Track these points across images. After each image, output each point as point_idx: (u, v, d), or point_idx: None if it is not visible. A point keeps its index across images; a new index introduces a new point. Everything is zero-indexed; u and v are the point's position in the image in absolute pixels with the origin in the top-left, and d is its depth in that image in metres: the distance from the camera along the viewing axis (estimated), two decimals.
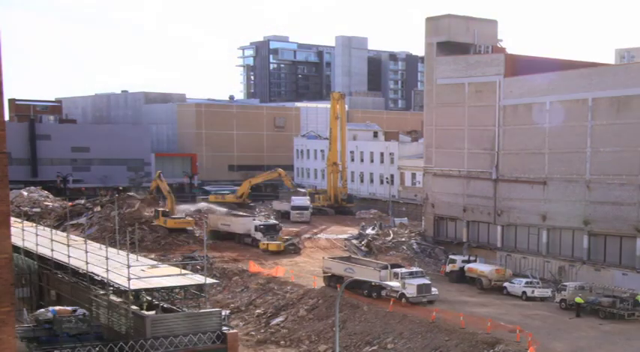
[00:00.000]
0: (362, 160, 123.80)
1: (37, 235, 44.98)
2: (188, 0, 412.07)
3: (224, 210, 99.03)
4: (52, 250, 41.76)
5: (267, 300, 60.73)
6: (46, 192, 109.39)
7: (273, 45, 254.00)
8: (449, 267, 68.29)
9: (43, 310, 35.60)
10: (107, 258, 37.01)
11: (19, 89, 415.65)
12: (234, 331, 37.07)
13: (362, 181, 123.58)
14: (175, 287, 36.61)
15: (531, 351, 42.24)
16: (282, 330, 55.06)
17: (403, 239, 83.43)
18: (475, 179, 78.80)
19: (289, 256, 77.03)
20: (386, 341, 48.77)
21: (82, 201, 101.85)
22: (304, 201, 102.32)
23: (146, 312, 35.93)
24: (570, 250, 69.31)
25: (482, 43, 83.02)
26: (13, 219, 42.09)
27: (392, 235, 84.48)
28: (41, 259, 44.32)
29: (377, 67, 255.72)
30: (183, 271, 38.30)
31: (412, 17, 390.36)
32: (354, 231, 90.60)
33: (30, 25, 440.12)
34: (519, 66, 75.75)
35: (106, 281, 36.41)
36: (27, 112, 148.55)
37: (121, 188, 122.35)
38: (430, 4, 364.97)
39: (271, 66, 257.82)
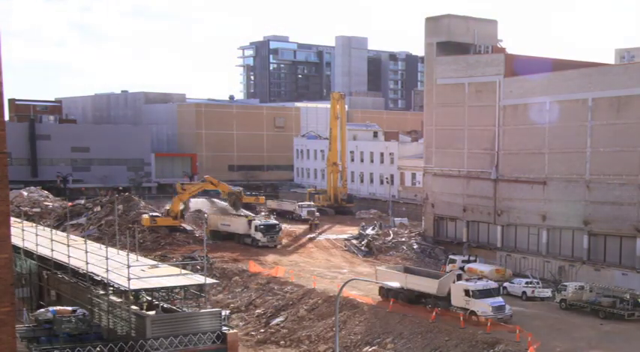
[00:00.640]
0: (362, 160, 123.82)
1: (37, 235, 44.97)
2: (188, 0, 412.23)
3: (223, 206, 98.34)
4: (52, 250, 41.75)
5: (267, 300, 60.70)
6: (46, 192, 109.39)
7: (273, 45, 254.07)
8: (449, 267, 68.24)
9: (43, 310, 35.62)
10: (107, 258, 37.00)
11: (19, 89, 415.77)
12: (234, 331, 37.10)
13: (362, 181, 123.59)
14: (175, 287, 36.61)
15: (531, 351, 42.23)
16: (282, 330, 55.04)
17: (403, 239, 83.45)
18: (475, 179, 78.79)
19: (290, 256, 77.04)
20: (386, 341, 48.74)
21: (82, 201, 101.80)
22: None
23: (146, 312, 35.93)
24: (570, 250, 69.30)
25: (482, 43, 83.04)
26: (13, 219, 42.10)
27: (392, 235, 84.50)
28: (41, 259, 44.31)
29: (377, 67, 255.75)
30: (184, 271, 38.28)
31: (412, 17, 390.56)
32: (354, 231, 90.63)
33: (30, 25, 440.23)
34: (519, 66, 75.74)
35: (106, 281, 36.40)
36: (27, 112, 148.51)
37: (121, 188, 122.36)
38: (430, 4, 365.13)
39: (271, 66, 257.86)
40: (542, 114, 71.28)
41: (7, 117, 54.50)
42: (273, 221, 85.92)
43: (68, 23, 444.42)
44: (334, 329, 40.63)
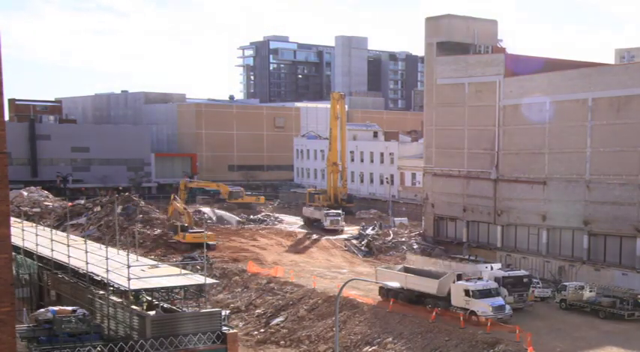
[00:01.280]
0: (362, 160, 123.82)
1: (37, 235, 44.97)
2: (188, 0, 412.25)
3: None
4: (52, 250, 41.75)
5: (267, 300, 60.70)
6: (46, 192, 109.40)
7: (273, 45, 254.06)
8: None
9: (43, 310, 35.58)
10: (107, 258, 37.00)
11: (19, 89, 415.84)
12: (234, 331, 37.06)
13: (362, 181, 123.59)
14: (175, 287, 36.58)
15: (531, 351, 42.24)
16: (282, 330, 55.04)
17: (403, 239, 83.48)
18: (475, 179, 78.79)
19: (290, 256, 77.07)
20: (386, 341, 48.74)
21: (82, 201, 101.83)
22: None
23: (146, 312, 35.92)
24: (570, 250, 69.29)
25: (482, 43, 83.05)
26: (13, 219, 42.08)
27: (392, 235, 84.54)
28: (41, 259, 44.30)
29: (377, 67, 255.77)
30: (183, 271, 38.27)
31: (412, 17, 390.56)
32: (354, 231, 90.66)
33: (30, 25, 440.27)
34: (519, 66, 75.74)
35: (106, 281, 36.39)
36: (27, 112, 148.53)
37: (120, 188, 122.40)
38: (430, 4, 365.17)
39: (271, 66, 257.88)
40: (542, 114, 71.28)
41: (7, 117, 54.53)
42: (519, 272, 58.56)
43: (69, 22, 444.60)
44: (334, 329, 40.64)
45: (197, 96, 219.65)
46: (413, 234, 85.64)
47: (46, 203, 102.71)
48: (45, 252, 43.23)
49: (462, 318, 48.48)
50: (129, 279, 34.33)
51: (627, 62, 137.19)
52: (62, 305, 37.69)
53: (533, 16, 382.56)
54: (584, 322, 51.12)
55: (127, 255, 36.04)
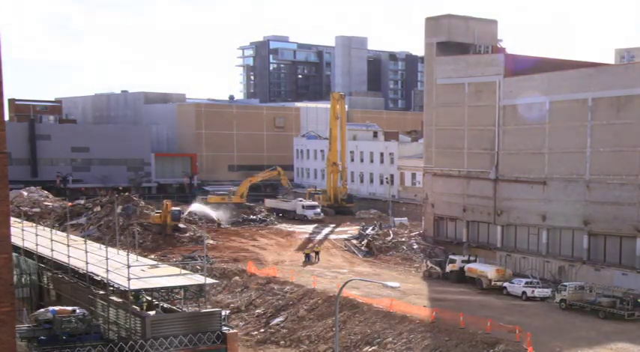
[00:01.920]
0: (362, 160, 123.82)
1: (37, 235, 44.97)
2: (188, 0, 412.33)
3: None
4: (52, 250, 41.75)
5: (267, 300, 60.71)
6: (46, 192, 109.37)
7: (273, 45, 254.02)
8: (449, 267, 68.27)
9: (43, 310, 35.57)
10: (107, 258, 36.99)
11: (19, 89, 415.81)
12: (234, 331, 37.06)
13: (362, 181, 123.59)
14: (175, 287, 36.57)
15: (531, 351, 42.24)
16: (282, 330, 55.05)
17: (403, 239, 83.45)
18: (475, 179, 78.79)
19: (290, 256, 77.08)
20: (386, 341, 48.75)
21: (82, 201, 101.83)
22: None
23: (146, 312, 35.92)
24: (570, 250, 69.28)
25: (483, 43, 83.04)
26: (13, 219, 42.05)
27: (392, 235, 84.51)
28: (41, 259, 44.30)
29: (377, 67, 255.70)
30: (183, 271, 38.26)
31: (412, 17, 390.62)
32: (354, 231, 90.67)
33: (30, 24, 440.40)
34: (519, 66, 75.75)
35: (106, 281, 36.39)
36: (27, 112, 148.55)
37: (120, 188, 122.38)
38: (430, 4, 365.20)
39: (271, 66, 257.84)
40: (542, 114, 71.28)
41: (7, 117, 54.48)
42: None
43: (68, 23, 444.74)
44: (334, 329, 40.63)
45: (197, 96, 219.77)
46: (413, 234, 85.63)
47: (46, 203, 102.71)
48: (45, 252, 43.23)
49: (461, 318, 48.52)
50: (129, 279, 34.33)
51: (627, 62, 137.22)
52: (62, 305, 37.68)
53: (533, 16, 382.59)
54: (584, 322, 51.13)
55: (127, 255, 36.04)
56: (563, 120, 69.31)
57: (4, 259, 23.84)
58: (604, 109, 65.72)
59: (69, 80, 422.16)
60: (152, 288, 35.98)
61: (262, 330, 55.79)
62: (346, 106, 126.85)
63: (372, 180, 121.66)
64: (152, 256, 68.46)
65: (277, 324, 56.33)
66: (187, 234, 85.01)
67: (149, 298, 37.73)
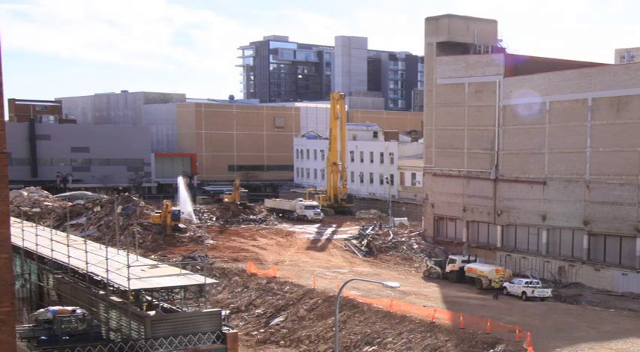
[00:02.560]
0: (362, 160, 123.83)
1: (37, 235, 44.96)
2: (188, 0, 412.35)
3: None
4: (52, 250, 41.74)
5: (267, 300, 60.68)
6: (45, 192, 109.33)
7: (272, 45, 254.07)
8: (449, 267, 68.23)
9: (43, 310, 35.56)
10: (107, 258, 36.98)
11: (19, 89, 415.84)
12: (234, 331, 37.03)
13: (362, 181, 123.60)
14: (175, 287, 36.57)
15: (531, 351, 42.23)
16: (282, 330, 55.02)
17: (403, 239, 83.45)
18: (475, 179, 78.82)
19: (290, 256, 77.04)
20: (386, 341, 48.73)
21: (82, 201, 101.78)
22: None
23: (146, 312, 35.91)
24: (570, 250, 69.32)
25: (482, 43, 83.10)
26: (13, 219, 42.06)
27: (392, 235, 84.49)
28: (41, 259, 44.29)
29: (377, 67, 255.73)
30: (183, 271, 38.25)
31: (412, 17, 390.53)
32: (354, 231, 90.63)
33: (30, 24, 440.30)
34: (519, 66, 75.80)
35: (106, 281, 36.38)
36: (27, 112, 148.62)
37: (120, 188, 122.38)
38: (430, 4, 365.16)
39: (271, 66, 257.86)
40: (542, 114, 71.31)
41: (6, 117, 54.53)
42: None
43: (68, 21, 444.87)
44: (334, 329, 40.61)
45: (197, 96, 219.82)
46: (413, 234, 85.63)
47: (46, 203, 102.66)
48: (45, 252, 43.22)
49: (461, 318, 48.51)
50: (129, 279, 34.32)
51: (627, 62, 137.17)
52: (62, 305, 37.67)
53: (533, 16, 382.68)
54: (584, 322, 51.12)
55: (127, 255, 36.02)
56: (563, 120, 69.34)
57: (4, 259, 23.84)
58: (604, 109, 65.75)
59: (69, 80, 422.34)
60: (152, 288, 35.97)
61: (262, 330, 55.76)
62: (346, 106, 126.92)
63: (372, 180, 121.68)
64: (152, 256, 68.44)
65: (277, 324, 56.30)
66: (187, 234, 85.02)
67: (149, 298, 37.72)
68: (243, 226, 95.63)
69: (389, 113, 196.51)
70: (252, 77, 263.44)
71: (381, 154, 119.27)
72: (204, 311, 36.59)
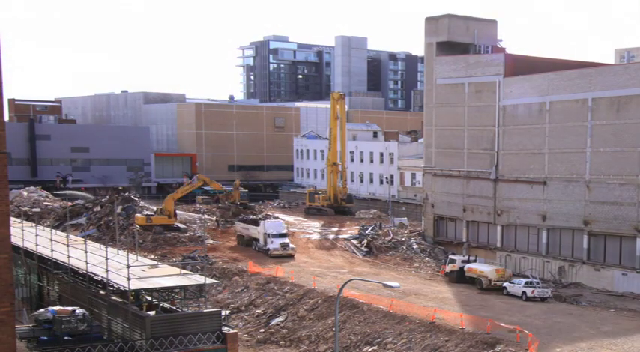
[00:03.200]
0: (362, 160, 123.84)
1: (37, 235, 44.96)
2: (188, 0, 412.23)
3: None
4: (52, 250, 41.74)
5: (267, 300, 60.69)
6: (45, 192, 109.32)
7: (272, 45, 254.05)
8: (449, 267, 68.19)
9: (43, 310, 35.55)
10: (107, 258, 36.97)
11: (19, 89, 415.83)
12: (234, 331, 37.03)
13: (362, 181, 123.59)
14: (175, 287, 36.57)
15: (531, 351, 42.24)
16: (282, 330, 55.03)
17: (403, 239, 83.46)
18: (475, 179, 78.82)
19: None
20: (386, 341, 48.74)
21: (82, 202, 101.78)
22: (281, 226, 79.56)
23: (146, 312, 35.91)
24: (570, 250, 69.32)
25: (482, 43, 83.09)
26: (13, 219, 42.04)
27: (392, 235, 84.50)
28: (41, 259, 44.29)
29: (377, 67, 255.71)
30: (183, 271, 38.25)
31: (412, 17, 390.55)
32: (354, 231, 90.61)
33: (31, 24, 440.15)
34: (519, 66, 75.79)
35: (105, 281, 36.38)
36: (27, 112, 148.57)
37: (120, 188, 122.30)
38: (430, 4, 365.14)
39: (271, 66, 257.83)
40: (542, 114, 71.32)
41: (6, 117, 54.51)
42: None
43: (69, 22, 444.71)
44: (334, 329, 40.61)
45: (197, 96, 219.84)
46: (413, 234, 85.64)
47: (46, 203, 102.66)
48: (45, 252, 43.22)
49: (461, 318, 48.53)
50: (129, 279, 34.31)
51: (627, 62, 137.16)
52: (62, 305, 37.67)
53: (533, 16, 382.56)
54: (584, 322, 51.13)
55: (127, 255, 36.02)
56: (563, 120, 69.34)
57: (4, 259, 23.84)
58: (604, 109, 65.75)
59: (69, 80, 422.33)
60: (152, 288, 35.97)
61: (262, 330, 55.77)
62: (346, 106, 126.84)
63: (371, 180, 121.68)
64: (152, 256, 68.46)
65: (277, 324, 56.31)
66: (187, 234, 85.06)
67: (149, 298, 37.71)
68: None
69: (389, 113, 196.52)
70: (252, 77, 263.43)
71: (381, 154, 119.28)
72: (204, 311, 36.59)
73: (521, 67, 75.53)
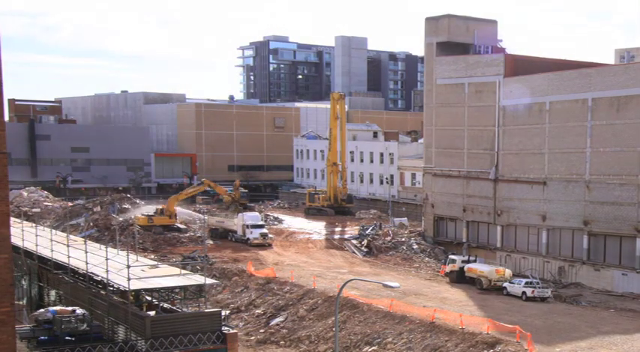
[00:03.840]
0: (362, 160, 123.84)
1: (37, 235, 44.96)
2: (188, 0, 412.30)
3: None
4: (52, 250, 41.75)
5: (267, 300, 60.69)
6: (45, 193, 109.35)
7: (272, 45, 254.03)
8: (449, 267, 68.15)
9: (43, 310, 35.55)
10: (107, 259, 36.97)
11: (19, 89, 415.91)
12: (234, 331, 37.02)
13: (362, 181, 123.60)
14: (175, 287, 36.57)
15: (531, 351, 42.23)
16: (282, 330, 55.03)
17: (403, 239, 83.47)
18: (475, 179, 78.82)
19: (289, 256, 77.04)
20: (386, 341, 48.73)
21: (82, 202, 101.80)
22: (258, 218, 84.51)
23: (146, 312, 35.91)
24: (570, 250, 69.33)
25: (482, 43, 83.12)
26: (13, 219, 42.06)
27: (392, 235, 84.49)
28: (41, 259, 44.29)
29: (377, 67, 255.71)
30: (183, 271, 38.25)
31: (412, 17, 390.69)
32: (354, 231, 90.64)
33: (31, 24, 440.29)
34: (519, 66, 75.82)
35: (105, 281, 36.37)
36: (27, 112, 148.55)
37: (120, 188, 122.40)
38: (430, 4, 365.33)
39: (271, 66, 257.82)
40: (542, 114, 71.33)
41: (6, 118, 54.52)
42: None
43: (69, 22, 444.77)
44: (334, 329, 40.61)
45: (197, 96, 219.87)
46: (413, 234, 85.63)
47: (46, 203, 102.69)
48: (45, 252, 43.22)
49: (461, 318, 48.52)
50: (129, 279, 34.31)
51: (627, 62, 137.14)
52: (62, 305, 37.66)
53: (533, 16, 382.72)
54: (584, 322, 51.13)
55: (127, 255, 36.02)
56: (563, 121, 69.36)
57: (4, 259, 23.82)
58: (604, 109, 65.76)
59: (69, 80, 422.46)
60: (152, 288, 35.97)
61: (262, 330, 55.76)
62: (346, 106, 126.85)
63: (371, 181, 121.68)
64: (152, 256, 68.45)
65: (277, 324, 56.31)
66: (187, 234, 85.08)
67: (149, 298, 37.71)
68: None
69: (389, 113, 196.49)
70: (252, 77, 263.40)
71: (381, 154, 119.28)
72: (205, 311, 36.59)
73: (521, 67, 75.55)
